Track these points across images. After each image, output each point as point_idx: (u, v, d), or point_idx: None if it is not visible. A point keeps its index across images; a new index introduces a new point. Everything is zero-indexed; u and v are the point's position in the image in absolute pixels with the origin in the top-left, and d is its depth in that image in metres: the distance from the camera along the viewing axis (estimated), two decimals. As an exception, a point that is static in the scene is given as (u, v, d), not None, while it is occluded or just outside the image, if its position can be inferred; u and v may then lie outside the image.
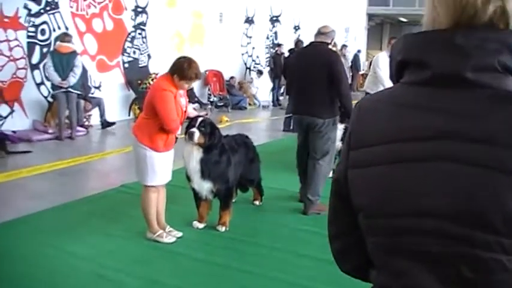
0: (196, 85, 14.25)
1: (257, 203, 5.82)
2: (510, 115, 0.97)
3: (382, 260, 1.11)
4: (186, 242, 4.67)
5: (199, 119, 4.65)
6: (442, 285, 1.01)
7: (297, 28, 19.77)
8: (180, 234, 4.75)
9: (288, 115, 9.72)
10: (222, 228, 4.94)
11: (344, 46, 13.55)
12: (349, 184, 1.16)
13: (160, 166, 4.46)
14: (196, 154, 4.65)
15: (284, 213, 5.63)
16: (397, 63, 1.11)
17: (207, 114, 5.30)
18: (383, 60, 8.22)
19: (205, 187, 4.77)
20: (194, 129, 4.54)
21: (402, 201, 1.04)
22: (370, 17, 27.09)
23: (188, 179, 4.83)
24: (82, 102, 10.51)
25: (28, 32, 9.80)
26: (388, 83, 8.21)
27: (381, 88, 8.16)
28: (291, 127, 10.72)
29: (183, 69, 4.33)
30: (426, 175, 1.01)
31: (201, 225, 5.01)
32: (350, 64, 19.21)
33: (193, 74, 4.38)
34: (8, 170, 6.32)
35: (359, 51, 22.31)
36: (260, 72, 16.85)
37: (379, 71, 8.19)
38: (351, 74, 15.81)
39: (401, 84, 1.10)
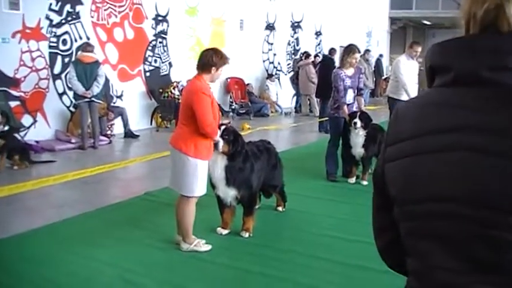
0: (217, 93, 14.41)
1: (280, 209, 5.88)
2: None
3: (411, 244, 1.24)
4: (211, 249, 4.74)
5: (222, 127, 4.73)
6: (462, 265, 1.12)
7: (318, 34, 19.85)
8: (203, 241, 4.80)
9: (323, 118, 9.83)
10: (246, 234, 5.01)
11: (367, 51, 13.56)
12: (385, 178, 1.30)
13: (205, 174, 4.56)
14: (221, 162, 4.73)
15: (306, 219, 5.69)
16: (427, 70, 1.26)
17: (229, 122, 5.37)
18: (404, 65, 8.28)
19: (230, 194, 4.85)
20: (218, 138, 4.62)
21: (423, 188, 1.19)
22: (393, 20, 27.01)
23: (213, 186, 4.91)
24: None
25: (50, 42, 10.04)
26: (410, 87, 8.26)
27: (403, 93, 8.22)
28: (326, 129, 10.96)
29: (212, 58, 4.47)
30: (445, 163, 1.15)
31: (225, 232, 5.09)
32: (373, 69, 19.20)
33: (224, 58, 4.53)
34: (33, 179, 6.46)
35: (381, 55, 22.30)
36: (271, 76, 16.89)
37: (401, 76, 8.24)
38: (374, 79, 15.76)
39: (432, 89, 1.26)
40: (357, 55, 7.22)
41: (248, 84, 15.96)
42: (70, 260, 4.45)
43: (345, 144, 7.30)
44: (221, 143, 4.61)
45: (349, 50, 7.25)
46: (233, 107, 15.19)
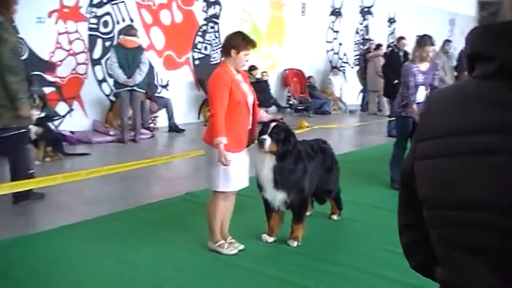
0: (273, 86, 14.48)
1: (335, 217, 5.87)
2: None
3: (444, 252, 1.25)
4: (252, 256, 4.80)
5: (272, 124, 4.77)
6: (500, 278, 1.11)
7: (391, 21, 19.62)
8: (242, 246, 4.89)
9: (392, 119, 9.71)
10: (294, 243, 5.02)
11: (447, 41, 13.24)
12: (414, 177, 1.30)
13: (233, 169, 4.59)
14: (269, 162, 4.77)
15: (364, 230, 5.66)
16: (467, 57, 1.24)
17: (281, 118, 5.39)
18: None
19: (278, 197, 4.88)
20: (265, 136, 4.66)
21: (458, 193, 1.17)
22: (483, 5, 26.29)
23: (260, 188, 4.95)
24: (147, 102, 10.93)
25: (89, 23, 10.34)
26: None
27: None
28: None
29: (236, 40, 4.60)
30: (485, 168, 1.12)
31: (270, 239, 5.12)
32: (455, 63, 18.71)
33: (248, 40, 4.63)
34: (65, 172, 6.69)
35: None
36: (335, 69, 16.82)
37: None
38: (455, 74, 15.39)
39: (469, 78, 1.23)
40: (430, 48, 7.08)
41: (309, 77, 15.94)
42: (99, 260, 4.60)
43: None
44: (268, 141, 4.65)
45: (421, 42, 7.16)
46: (291, 102, 15.22)
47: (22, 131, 5.94)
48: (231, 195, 4.82)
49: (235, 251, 4.81)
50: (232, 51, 4.55)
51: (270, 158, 4.76)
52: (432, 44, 7.17)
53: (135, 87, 9.85)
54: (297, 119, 13.25)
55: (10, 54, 5.50)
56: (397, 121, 7.57)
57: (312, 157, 5.17)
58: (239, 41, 4.58)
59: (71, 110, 10.17)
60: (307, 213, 5.68)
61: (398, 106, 7.31)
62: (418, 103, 7.05)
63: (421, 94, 7.09)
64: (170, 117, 11.49)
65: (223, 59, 4.72)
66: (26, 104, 5.76)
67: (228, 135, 4.48)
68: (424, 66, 7.09)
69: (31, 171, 6.00)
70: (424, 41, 7.13)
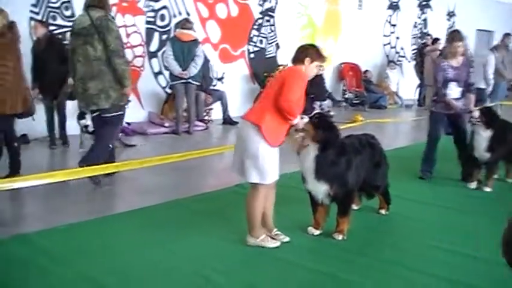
0: (329, 79, 14.41)
1: (383, 211, 5.81)
2: None
3: None
4: (296, 249, 4.79)
5: (315, 112, 4.81)
6: None
7: (451, 14, 19.19)
8: (287, 239, 4.89)
9: None
10: (339, 237, 4.99)
11: (507, 35, 12.86)
12: None
13: (274, 160, 4.64)
14: (312, 152, 4.77)
15: (412, 225, 5.59)
16: None
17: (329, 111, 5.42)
18: None
19: (320, 189, 4.85)
20: (304, 116, 4.71)
21: None
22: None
23: (303, 180, 4.96)
24: (202, 95, 11.04)
25: (147, 17, 10.51)
26: None
27: None
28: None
29: (312, 51, 4.70)
30: None
31: (316, 232, 5.11)
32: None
33: (322, 53, 4.78)
34: (118, 161, 6.84)
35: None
36: (392, 63, 16.58)
37: None
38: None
39: None
40: (458, 43, 6.94)
41: (366, 71, 15.80)
42: (146, 249, 4.68)
43: (465, 145, 7.21)
44: (305, 119, 4.69)
45: (450, 38, 7.13)
46: (346, 96, 15.14)
47: (121, 112, 6.77)
48: (273, 187, 4.82)
49: (278, 243, 4.81)
50: (307, 60, 4.63)
51: (312, 149, 4.77)
52: (461, 40, 7.00)
53: (190, 80, 9.96)
54: (352, 113, 13.17)
55: (116, 41, 6.26)
56: (429, 116, 7.47)
57: (358, 151, 5.13)
58: (314, 52, 4.70)
59: (128, 101, 10.31)
60: (355, 207, 5.67)
61: (431, 101, 7.28)
62: (453, 99, 6.98)
63: (455, 90, 7.02)
64: (225, 110, 11.58)
65: (296, 63, 4.73)
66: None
67: (274, 129, 4.52)
68: (456, 61, 7.00)
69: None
70: (454, 36, 7.07)
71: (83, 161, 6.27)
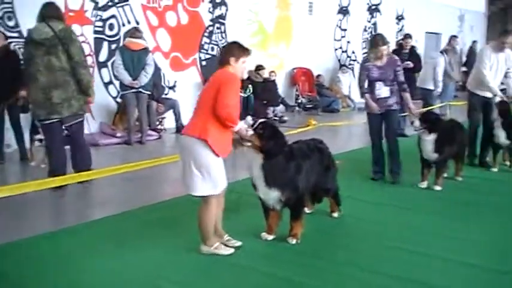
0: (282, 85, 14.47)
1: (335, 215, 5.84)
2: None
3: None
4: (251, 255, 4.78)
5: (259, 121, 4.83)
6: None
7: (400, 18, 19.51)
8: (239, 243, 4.88)
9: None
10: (293, 241, 5.00)
11: (453, 37, 13.15)
12: None
13: (221, 169, 4.62)
14: (259, 160, 4.77)
15: (365, 227, 5.64)
16: None
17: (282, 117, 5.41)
18: (487, 56, 8.09)
19: (271, 196, 4.86)
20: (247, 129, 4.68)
21: None
22: (492, 1, 26.05)
23: (254, 187, 4.95)
24: (154, 104, 10.93)
25: (95, 26, 10.37)
26: (494, 83, 8.01)
27: (485, 88, 8.03)
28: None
29: (233, 49, 4.66)
30: None
31: (270, 237, 5.10)
32: (465, 59, 18.57)
33: (244, 47, 4.70)
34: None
35: (475, 42, 21.39)
36: (344, 67, 16.76)
37: (483, 70, 8.10)
38: (462, 70, 15.29)
39: None
40: (383, 47, 7.04)
41: (319, 75, 15.91)
42: (99, 261, 4.60)
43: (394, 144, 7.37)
44: (249, 132, 4.65)
45: (374, 42, 7.23)
46: (299, 100, 15.22)
47: (82, 119, 6.86)
48: (222, 194, 4.79)
49: (232, 250, 4.79)
50: (232, 60, 4.59)
51: (259, 157, 4.76)
52: (384, 44, 7.10)
53: (140, 89, 9.86)
54: (305, 118, 13.23)
55: (80, 52, 6.51)
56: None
57: (307, 156, 5.16)
58: (237, 49, 4.65)
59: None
60: (308, 211, 5.69)
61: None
62: (379, 98, 7.12)
63: (383, 89, 7.17)
64: (177, 119, 11.49)
65: (221, 65, 4.67)
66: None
67: (220, 140, 4.51)
68: (380, 61, 7.15)
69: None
70: (376, 41, 7.20)
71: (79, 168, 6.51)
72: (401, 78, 7.23)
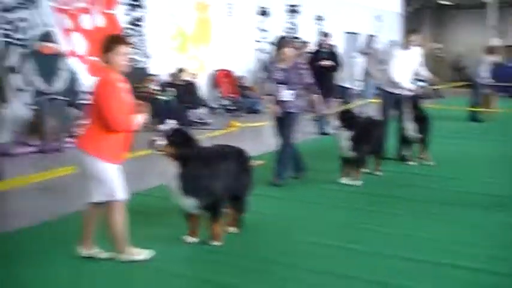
0: (204, 87, 14.37)
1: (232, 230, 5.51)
2: None
3: None
4: (174, 258, 4.75)
5: (172, 129, 4.88)
6: None
7: (319, 18, 19.72)
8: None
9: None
10: (215, 242, 4.97)
11: (370, 36, 13.45)
12: None
13: (117, 176, 4.54)
14: (174, 169, 4.71)
15: (284, 224, 5.70)
16: None
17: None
18: (395, 55, 8.37)
19: (188, 203, 4.82)
20: (157, 138, 4.65)
21: None
22: (408, 1, 26.78)
23: (171, 194, 4.88)
24: (71, 110, 10.56)
25: (4, 30, 9.88)
26: (404, 79, 8.25)
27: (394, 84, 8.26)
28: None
29: (106, 43, 4.41)
30: None
31: (192, 239, 5.05)
32: (383, 58, 18.94)
33: (115, 36, 4.67)
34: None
35: (392, 41, 21.80)
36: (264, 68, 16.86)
37: (389, 68, 8.39)
38: (380, 69, 15.62)
39: None
40: (286, 50, 6.96)
41: (241, 77, 15.90)
42: (8, 279, 4.36)
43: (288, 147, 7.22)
44: (160, 142, 4.62)
45: (280, 45, 7.15)
46: (222, 102, 15.16)
47: None
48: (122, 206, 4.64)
49: (152, 252, 4.67)
50: (109, 55, 4.37)
51: (173, 165, 4.71)
52: (289, 46, 7.04)
53: (55, 96, 9.53)
54: (229, 119, 13.14)
55: None
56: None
57: (222, 161, 5.10)
58: (108, 42, 4.41)
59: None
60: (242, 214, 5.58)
61: None
62: (281, 101, 7.01)
63: (285, 93, 7.00)
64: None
65: (105, 66, 4.47)
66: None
67: (111, 148, 4.42)
68: (285, 64, 7.04)
69: None
70: (282, 43, 7.16)
71: None
72: (308, 80, 7.14)
